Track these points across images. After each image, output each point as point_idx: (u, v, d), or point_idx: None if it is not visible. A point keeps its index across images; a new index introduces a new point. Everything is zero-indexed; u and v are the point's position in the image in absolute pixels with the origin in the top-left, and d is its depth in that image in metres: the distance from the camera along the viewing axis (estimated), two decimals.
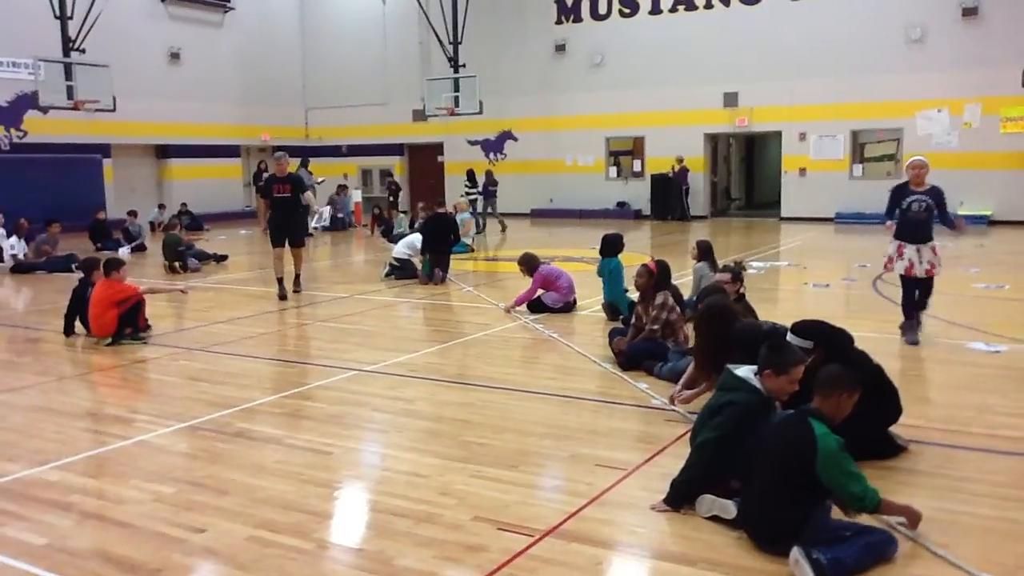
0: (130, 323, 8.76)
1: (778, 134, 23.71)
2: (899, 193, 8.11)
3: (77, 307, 9.15)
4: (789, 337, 4.90)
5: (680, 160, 23.98)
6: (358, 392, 6.77)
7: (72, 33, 20.79)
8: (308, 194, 11.87)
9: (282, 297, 11.26)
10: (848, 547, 3.62)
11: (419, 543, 3.99)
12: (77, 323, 9.19)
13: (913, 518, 3.98)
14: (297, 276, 11.82)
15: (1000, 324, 8.72)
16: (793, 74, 22.49)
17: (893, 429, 5.11)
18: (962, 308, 9.89)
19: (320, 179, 24.36)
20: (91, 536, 4.16)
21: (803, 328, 5.03)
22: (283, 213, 11.43)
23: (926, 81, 21.00)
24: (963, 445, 5.25)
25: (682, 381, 6.19)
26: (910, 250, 7.88)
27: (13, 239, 15.57)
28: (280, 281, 11.42)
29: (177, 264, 14.45)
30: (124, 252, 17.58)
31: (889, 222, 8.17)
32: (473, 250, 16.61)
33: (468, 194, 21.34)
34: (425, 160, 29.19)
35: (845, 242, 18.50)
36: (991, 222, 20.38)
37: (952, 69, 20.69)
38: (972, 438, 5.36)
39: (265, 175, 12.06)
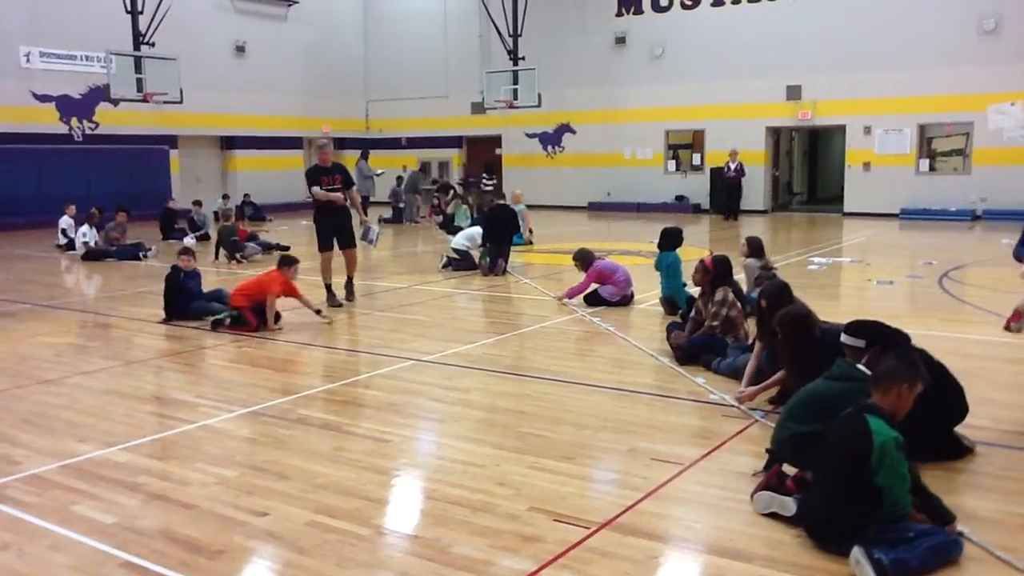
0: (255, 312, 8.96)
1: (842, 128, 23.22)
2: None
3: (170, 294, 9.45)
4: (843, 337, 4.81)
5: (735, 154, 23.19)
6: (415, 381, 6.84)
7: (142, 27, 21.32)
8: (354, 192, 10.55)
9: (335, 304, 10.08)
10: (912, 548, 3.54)
11: (475, 532, 4.02)
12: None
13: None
14: (350, 281, 10.47)
15: None
16: (859, 66, 21.99)
17: (959, 430, 4.99)
18: None
19: (380, 171, 24.57)
20: (157, 516, 4.28)
21: (857, 327, 4.92)
22: (334, 210, 10.11)
23: (999, 73, 20.34)
24: None
25: (746, 378, 6.12)
26: None
27: (85, 227, 16.04)
28: (329, 288, 10.20)
29: (237, 255, 14.73)
30: (189, 241, 18.01)
31: None
32: (531, 243, 16.61)
33: (486, 185, 21.78)
34: (483, 152, 29.25)
35: (910, 238, 18.08)
36: None
37: None
38: None
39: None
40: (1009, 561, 3.65)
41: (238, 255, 14.72)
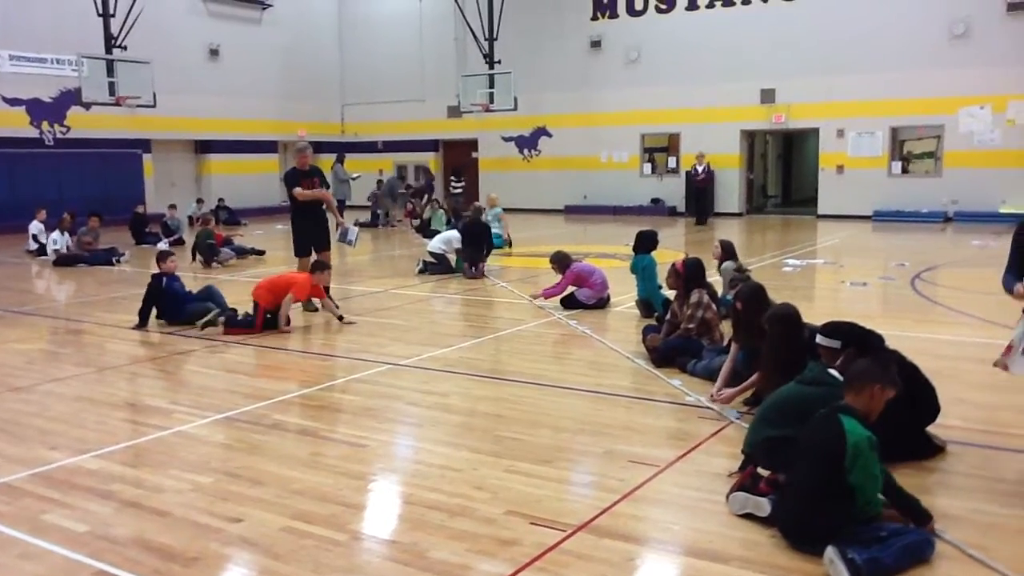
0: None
1: (815, 131, 23.43)
2: None
3: (152, 300, 9.33)
4: (818, 338, 4.86)
5: (701, 157, 23.01)
6: (392, 386, 6.82)
7: (114, 30, 21.11)
8: (329, 195, 10.46)
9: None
10: (885, 548, 3.58)
11: (452, 536, 4.02)
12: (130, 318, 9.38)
13: (925, 520, 3.92)
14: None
15: None
16: (831, 70, 22.20)
17: (931, 429, 5.04)
18: (1003, 308, 9.69)
19: (356, 175, 24.49)
20: (131, 524, 4.23)
21: (832, 329, 4.97)
22: (311, 214, 10.03)
23: (969, 77, 20.63)
24: (1003, 447, 5.17)
25: (720, 379, 6.15)
26: None
27: (56, 233, 15.84)
28: None
29: (213, 260, 14.63)
30: (163, 246, 17.86)
31: (1020, 286, 4.50)
32: (511, 245, 16.62)
33: (454, 188, 23.11)
34: (460, 156, 29.24)
35: (883, 240, 18.27)
36: None
37: (997, 65, 20.29)
38: (1013, 439, 5.27)
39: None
40: (979, 559, 3.69)
41: (214, 260, 14.62)
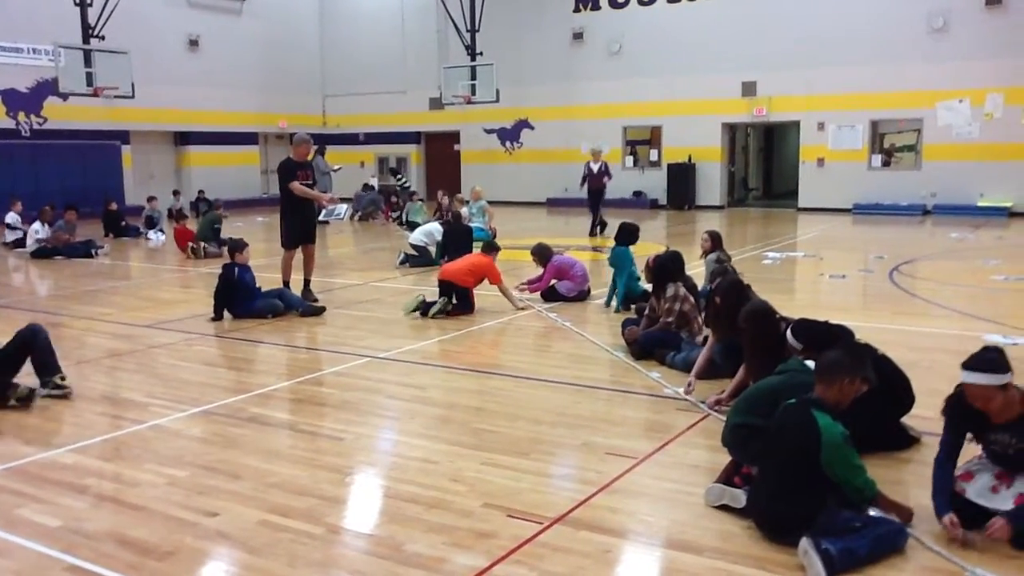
0: (464, 296, 9.27)
1: (796, 124, 23.54)
2: (963, 420, 4.04)
3: (226, 291, 9.19)
4: (788, 335, 4.88)
5: (597, 154, 18.73)
6: (371, 379, 6.80)
7: (92, 20, 20.88)
8: (317, 190, 10.39)
9: (314, 301, 9.81)
10: (859, 538, 3.60)
11: (429, 529, 4.01)
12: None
13: (905, 515, 3.93)
14: (308, 285, 10.11)
15: (1018, 316, 8.64)
16: (812, 63, 22.30)
17: (906, 420, 5.08)
18: (980, 300, 9.83)
19: (337, 167, 24.36)
20: (106, 518, 4.20)
21: (798, 329, 4.98)
22: (304, 208, 9.95)
23: (948, 71, 20.78)
24: None
25: (696, 369, 6.17)
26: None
27: (37, 224, 15.67)
28: (287, 285, 9.96)
29: (203, 246, 14.71)
30: (153, 236, 17.82)
31: (949, 517, 3.77)
32: (494, 238, 16.57)
33: (405, 186, 23.65)
34: (442, 148, 29.20)
35: (863, 233, 18.38)
36: (1011, 214, 20.20)
37: (975, 59, 20.47)
38: None
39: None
40: (938, 551, 3.71)
41: (203, 247, 14.72)
